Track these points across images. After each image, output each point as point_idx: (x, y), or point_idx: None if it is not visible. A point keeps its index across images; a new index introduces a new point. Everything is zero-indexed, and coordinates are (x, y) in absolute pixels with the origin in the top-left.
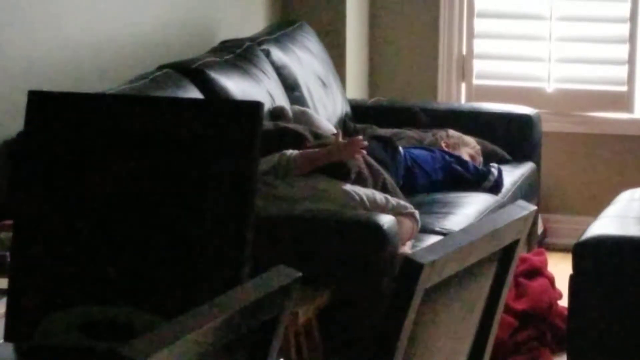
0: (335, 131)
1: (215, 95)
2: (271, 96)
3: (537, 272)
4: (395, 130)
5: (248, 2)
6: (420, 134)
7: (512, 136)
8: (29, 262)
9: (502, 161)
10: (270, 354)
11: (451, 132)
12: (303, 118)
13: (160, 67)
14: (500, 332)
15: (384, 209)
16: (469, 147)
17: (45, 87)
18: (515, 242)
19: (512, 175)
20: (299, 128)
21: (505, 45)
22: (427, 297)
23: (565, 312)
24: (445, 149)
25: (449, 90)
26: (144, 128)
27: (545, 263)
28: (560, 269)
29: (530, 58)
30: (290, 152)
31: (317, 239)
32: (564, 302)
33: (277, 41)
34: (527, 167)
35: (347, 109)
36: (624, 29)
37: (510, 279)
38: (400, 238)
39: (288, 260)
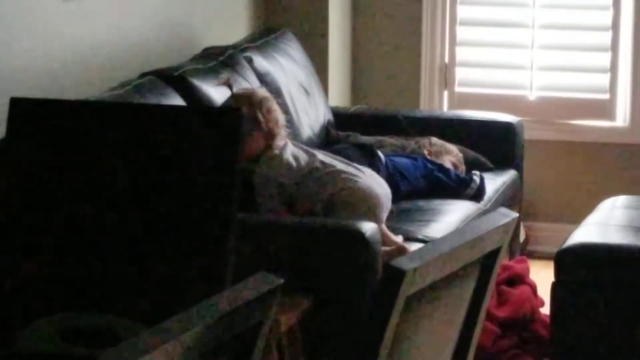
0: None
1: (198, 103)
2: None
3: (519, 279)
4: (378, 137)
5: (231, 9)
6: (402, 141)
7: (494, 144)
8: (10, 269)
9: (484, 169)
10: None
11: (434, 139)
12: None
13: (143, 75)
14: (482, 339)
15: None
16: (451, 155)
17: (27, 94)
18: (497, 250)
19: (494, 183)
20: None
21: (487, 53)
22: (409, 304)
23: (547, 320)
24: (428, 157)
25: (432, 97)
26: (126, 135)
27: (527, 271)
28: (542, 276)
29: (513, 66)
30: None
31: (300, 246)
32: (546, 310)
33: (260, 49)
34: (509, 175)
35: (330, 116)
36: (606, 37)
37: (492, 286)
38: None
39: (270, 266)
